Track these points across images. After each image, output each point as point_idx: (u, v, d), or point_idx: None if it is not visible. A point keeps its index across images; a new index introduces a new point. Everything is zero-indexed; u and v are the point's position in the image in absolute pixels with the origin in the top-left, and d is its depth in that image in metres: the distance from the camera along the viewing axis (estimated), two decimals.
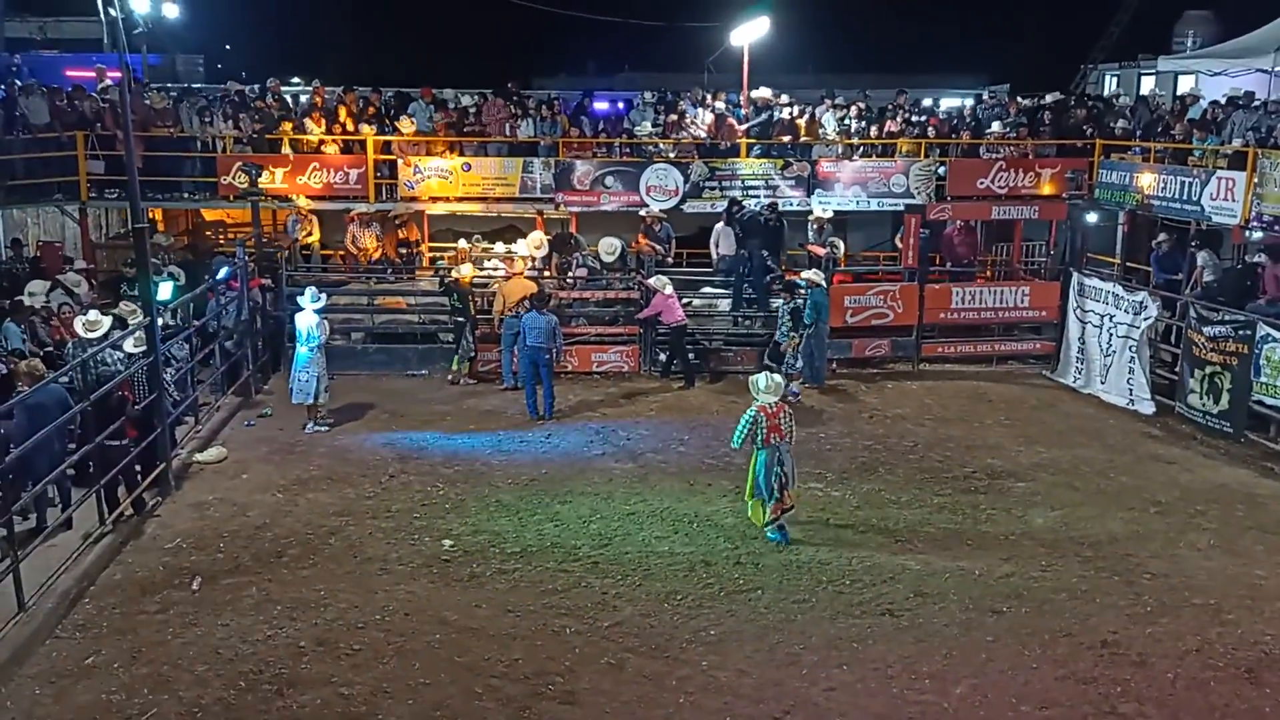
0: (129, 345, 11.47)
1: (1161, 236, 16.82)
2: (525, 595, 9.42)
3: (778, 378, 10.98)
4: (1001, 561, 10.18)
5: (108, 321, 11.72)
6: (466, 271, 16.02)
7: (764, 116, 19.28)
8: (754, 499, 10.71)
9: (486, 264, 17.87)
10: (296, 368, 13.90)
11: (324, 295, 14.48)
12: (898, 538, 10.72)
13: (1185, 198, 16.52)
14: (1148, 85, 25.33)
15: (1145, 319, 14.82)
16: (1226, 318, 13.60)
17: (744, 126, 19.04)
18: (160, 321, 11.91)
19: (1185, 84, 23.01)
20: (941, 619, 9.07)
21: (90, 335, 11.34)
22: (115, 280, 16.06)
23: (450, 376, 15.93)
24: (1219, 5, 28.84)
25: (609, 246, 17.40)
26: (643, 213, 18.11)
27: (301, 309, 13.93)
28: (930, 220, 18.07)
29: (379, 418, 14.48)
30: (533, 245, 17.58)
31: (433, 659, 8.37)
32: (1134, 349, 14.96)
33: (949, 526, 11.03)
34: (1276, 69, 20.48)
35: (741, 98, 20.57)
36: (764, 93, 19.47)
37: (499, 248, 19.19)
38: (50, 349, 12.60)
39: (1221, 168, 16.18)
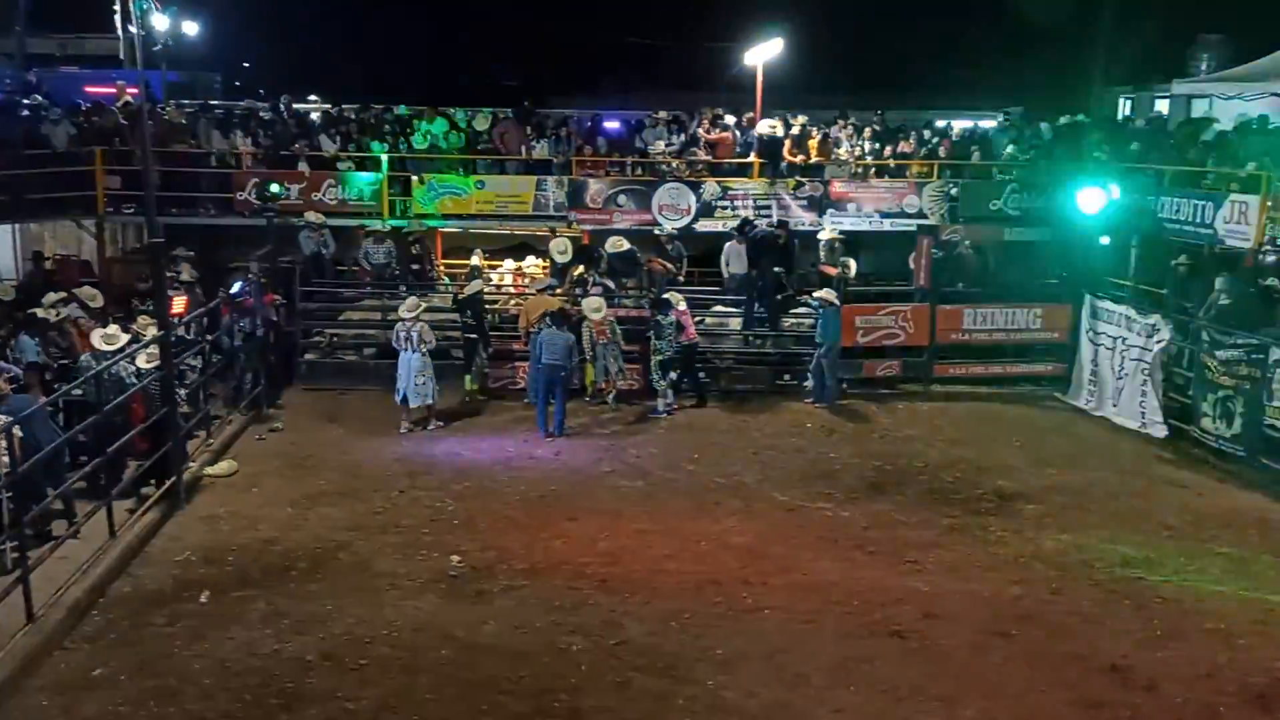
0: (142, 360, 11.56)
1: (1181, 258, 16.75)
2: (533, 612, 9.41)
3: (601, 300, 15.35)
4: (1011, 584, 10.13)
5: (125, 337, 11.83)
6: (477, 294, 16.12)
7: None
8: (592, 381, 15.68)
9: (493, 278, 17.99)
10: (410, 373, 14.32)
11: (422, 302, 15.07)
12: (907, 559, 10.67)
13: (1199, 221, 16.46)
14: (1161, 108, 25.31)
15: (1158, 342, 14.76)
16: (1239, 341, 13.54)
17: None
18: (173, 336, 12.01)
19: (1199, 107, 22.97)
20: (951, 641, 9.02)
21: (107, 349, 11.45)
22: (129, 295, 16.17)
23: (465, 396, 15.95)
24: (1234, 29, 28.80)
25: (614, 243, 17.44)
26: (655, 231, 18.17)
27: (404, 319, 14.44)
28: (942, 240, 18.05)
29: (390, 433, 14.51)
30: (556, 250, 17.68)
31: (439, 675, 8.37)
32: (1147, 372, 14.89)
33: (959, 548, 10.97)
34: None
35: (749, 118, 20.53)
36: (767, 127, 19.35)
37: (509, 264, 19.27)
38: (65, 361, 12.69)
39: (1235, 191, 16.13)
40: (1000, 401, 16.56)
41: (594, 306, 15.28)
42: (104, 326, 12.41)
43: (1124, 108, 29.31)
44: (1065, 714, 8.01)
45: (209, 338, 14.32)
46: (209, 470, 12.72)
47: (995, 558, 10.75)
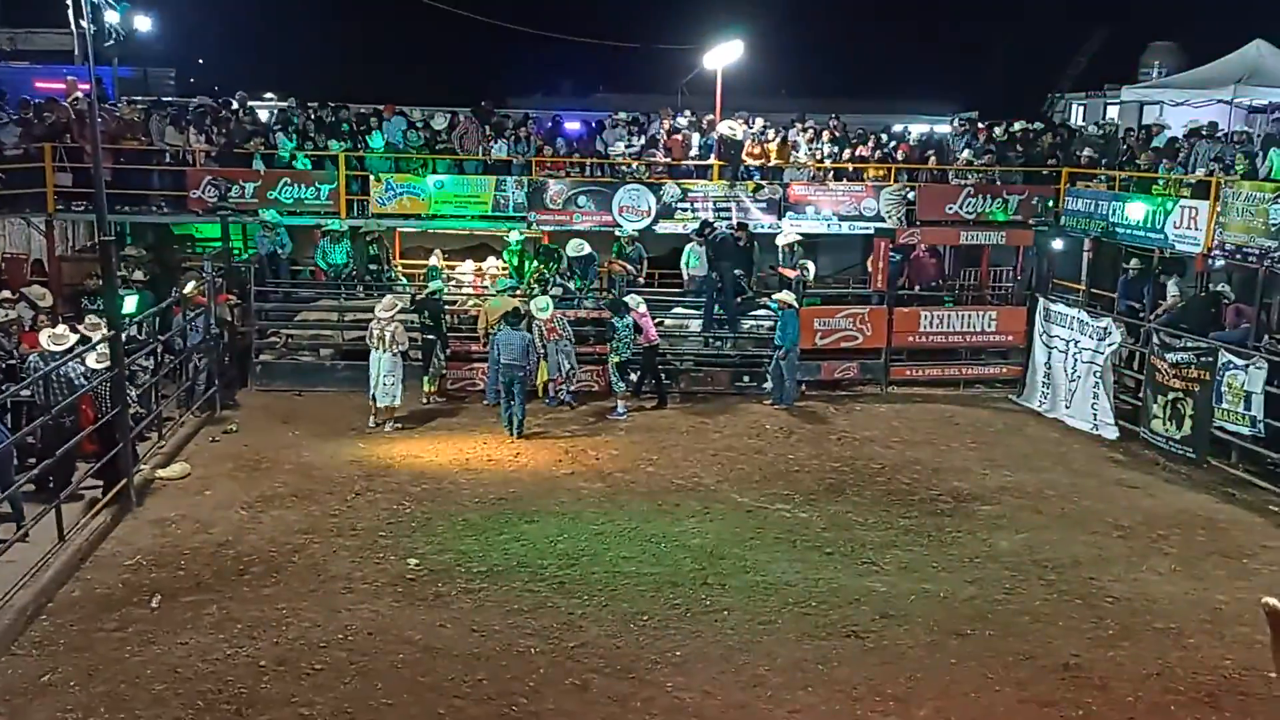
0: (91, 360, 11.35)
1: (1133, 262, 17.03)
2: (490, 615, 9.36)
3: (547, 299, 15.50)
4: (966, 584, 10.23)
5: (73, 337, 11.61)
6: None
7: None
8: (545, 380, 15.76)
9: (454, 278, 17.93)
10: (379, 373, 14.32)
11: (399, 302, 14.98)
12: (864, 559, 10.74)
13: (1149, 226, 16.75)
14: (1113, 114, 25.74)
15: (1109, 345, 14.99)
16: (1189, 344, 13.78)
17: None
18: (124, 335, 11.80)
19: (1150, 113, 23.38)
20: (906, 641, 9.09)
21: (55, 348, 11.23)
22: (78, 294, 15.89)
23: (424, 398, 15.83)
24: (1184, 36, 29.39)
25: (576, 245, 17.45)
26: (616, 233, 18.17)
27: (380, 318, 14.36)
28: (898, 245, 18.23)
29: (346, 435, 14.38)
30: (512, 238, 17.73)
31: (396, 679, 8.30)
32: (1098, 374, 15.12)
33: (915, 549, 11.07)
34: (1237, 100, 20.85)
35: (709, 120, 20.57)
36: (727, 128, 19.39)
37: (468, 264, 19.17)
38: (12, 362, 12.43)
39: (1185, 196, 16.42)
40: (956, 403, 16.75)
41: (540, 305, 15.37)
42: (53, 326, 12.18)
43: (1076, 113, 29.79)
44: (1018, 712, 8.09)
45: (161, 338, 14.09)
46: (161, 473, 12.51)
47: (950, 558, 10.86)
